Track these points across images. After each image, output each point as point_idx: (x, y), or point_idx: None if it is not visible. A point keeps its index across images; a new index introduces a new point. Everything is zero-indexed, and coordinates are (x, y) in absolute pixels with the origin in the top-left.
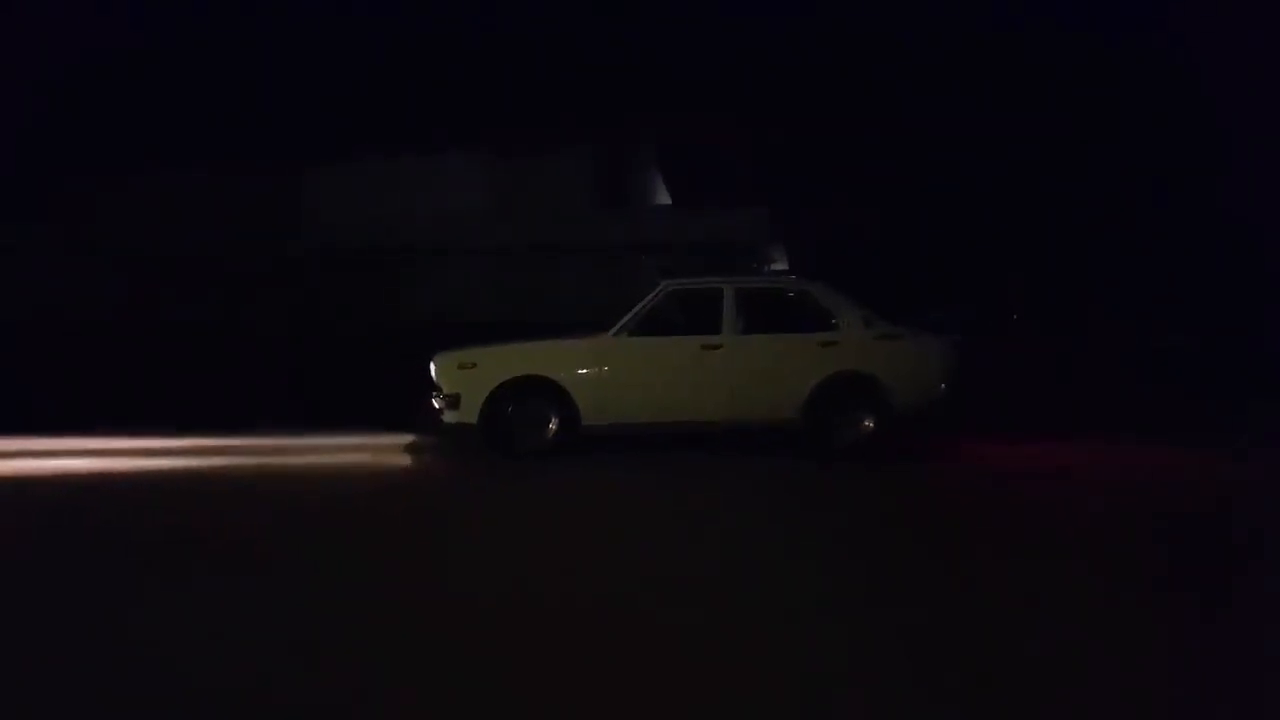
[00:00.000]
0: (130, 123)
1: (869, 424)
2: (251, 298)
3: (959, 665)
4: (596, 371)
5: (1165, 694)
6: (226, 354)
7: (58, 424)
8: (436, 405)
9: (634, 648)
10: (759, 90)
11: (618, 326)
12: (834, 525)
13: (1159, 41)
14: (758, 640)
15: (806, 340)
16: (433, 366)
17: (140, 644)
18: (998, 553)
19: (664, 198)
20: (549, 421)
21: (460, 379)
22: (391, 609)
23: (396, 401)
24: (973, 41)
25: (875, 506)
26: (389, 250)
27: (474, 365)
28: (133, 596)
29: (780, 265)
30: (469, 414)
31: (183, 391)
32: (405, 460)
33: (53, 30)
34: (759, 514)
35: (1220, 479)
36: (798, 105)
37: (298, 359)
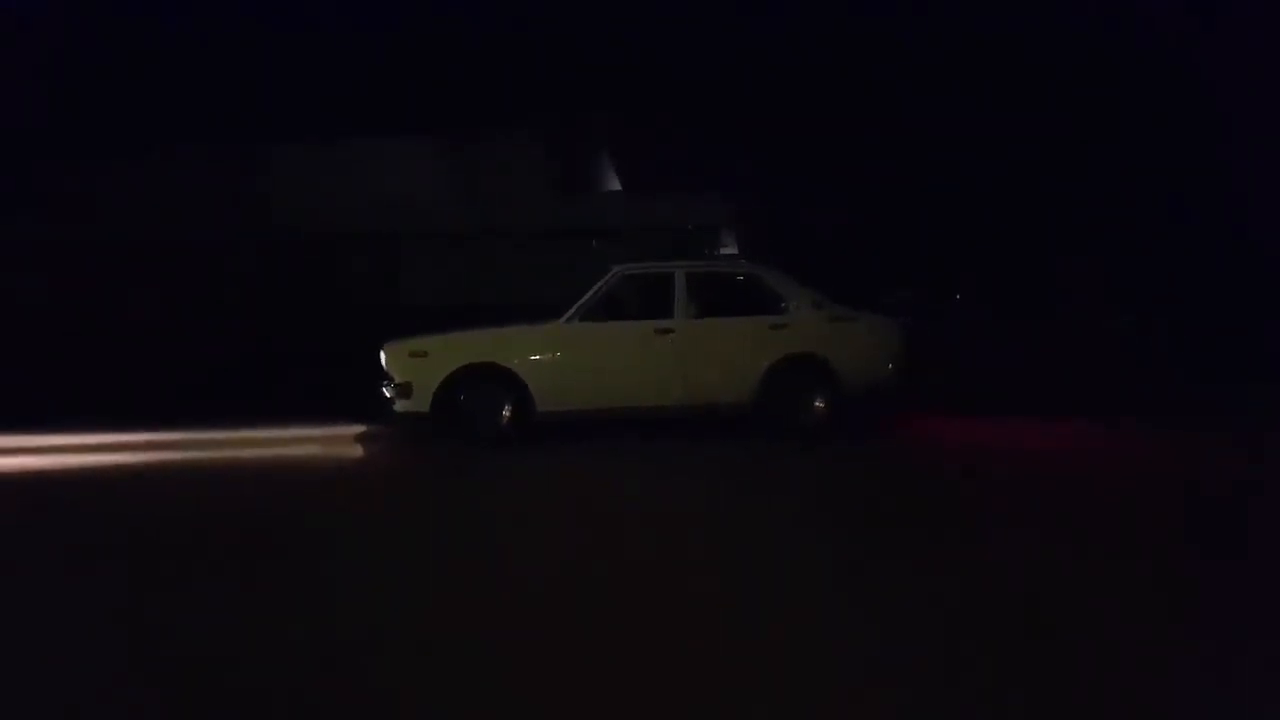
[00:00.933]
0: (88, 106)
1: (821, 405)
2: (207, 283)
3: (964, 654)
4: (549, 358)
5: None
6: (176, 343)
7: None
8: (387, 394)
9: (626, 641)
10: (715, 79)
11: (570, 312)
12: (793, 508)
13: (1144, 41)
14: (751, 631)
15: (758, 323)
16: (383, 355)
17: (112, 646)
18: (963, 529)
19: (618, 184)
20: (502, 409)
21: (411, 367)
22: (368, 607)
23: (347, 389)
24: (934, 29)
25: (834, 487)
26: (346, 235)
27: (425, 354)
28: (98, 598)
29: (731, 250)
30: (421, 403)
31: (126, 383)
32: (358, 451)
33: (9, 13)
34: (715, 498)
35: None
36: (753, 94)
37: (248, 346)
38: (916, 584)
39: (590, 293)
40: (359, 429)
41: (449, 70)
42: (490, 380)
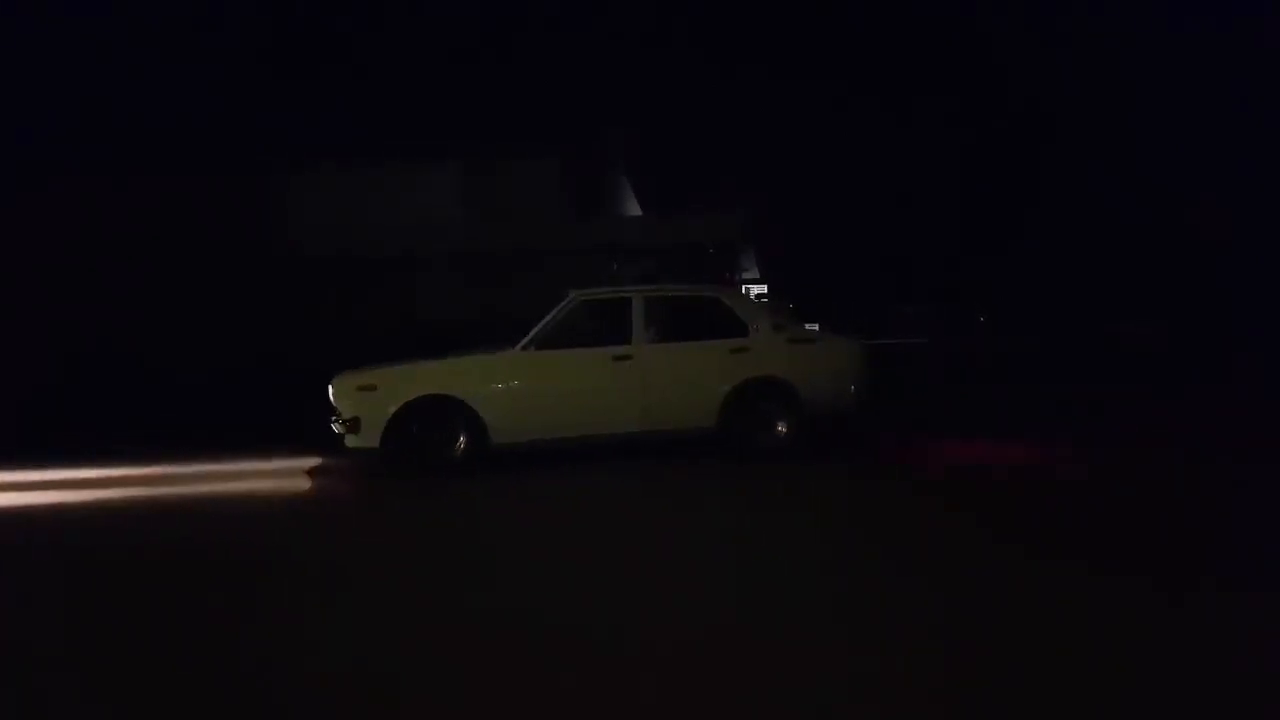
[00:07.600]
0: (104, 125)
1: (783, 428)
2: (218, 305)
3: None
4: (504, 388)
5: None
6: (154, 368)
7: None
8: (336, 430)
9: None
10: (728, 100)
11: (525, 340)
12: (751, 530)
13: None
14: (724, 658)
15: (718, 347)
16: (330, 389)
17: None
18: (924, 548)
19: (635, 204)
20: (457, 441)
21: (360, 402)
22: (323, 655)
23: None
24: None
25: (796, 509)
26: (368, 255)
27: (374, 387)
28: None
29: (751, 271)
30: (370, 438)
31: (85, 415)
32: (307, 485)
33: (33, 27)
34: (678, 522)
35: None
36: (765, 113)
37: (242, 371)
38: (879, 602)
39: (546, 319)
40: (314, 461)
41: (468, 93)
42: (443, 413)
